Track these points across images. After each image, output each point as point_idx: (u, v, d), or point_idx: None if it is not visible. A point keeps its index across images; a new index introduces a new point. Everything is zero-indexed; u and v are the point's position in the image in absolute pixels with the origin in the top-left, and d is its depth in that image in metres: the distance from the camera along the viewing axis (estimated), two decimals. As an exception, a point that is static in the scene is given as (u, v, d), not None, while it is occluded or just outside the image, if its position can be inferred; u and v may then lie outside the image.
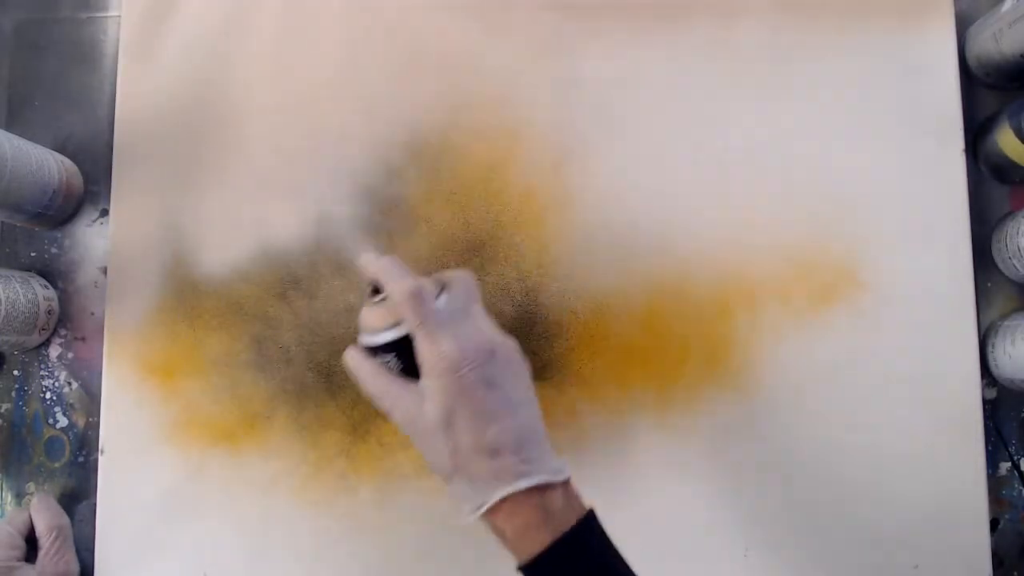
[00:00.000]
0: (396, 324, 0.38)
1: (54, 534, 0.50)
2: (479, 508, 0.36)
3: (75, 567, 0.50)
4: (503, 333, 0.39)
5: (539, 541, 0.35)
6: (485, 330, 0.38)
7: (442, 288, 0.39)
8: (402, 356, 0.38)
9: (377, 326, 0.38)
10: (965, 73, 0.53)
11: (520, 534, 0.35)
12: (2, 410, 0.54)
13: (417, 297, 0.37)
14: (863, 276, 0.51)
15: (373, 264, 0.39)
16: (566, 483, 0.37)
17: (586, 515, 0.37)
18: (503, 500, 0.35)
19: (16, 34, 0.57)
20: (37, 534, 0.50)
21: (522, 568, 0.36)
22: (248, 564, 0.51)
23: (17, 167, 0.48)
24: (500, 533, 0.36)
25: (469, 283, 0.39)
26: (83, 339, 0.54)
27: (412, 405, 0.37)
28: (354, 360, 0.39)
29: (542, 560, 0.35)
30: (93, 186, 0.55)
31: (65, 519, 0.51)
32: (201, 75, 0.54)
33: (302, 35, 0.55)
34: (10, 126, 0.56)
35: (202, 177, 0.54)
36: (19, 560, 0.49)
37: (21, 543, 0.50)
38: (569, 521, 0.36)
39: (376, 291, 0.39)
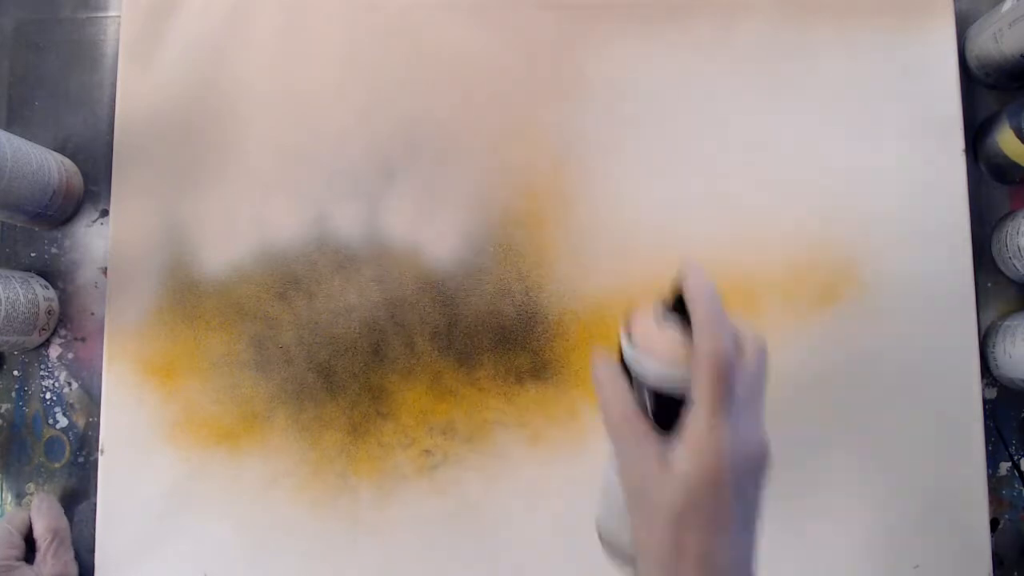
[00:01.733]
0: (679, 367, 0.31)
1: (51, 537, 0.50)
2: None
3: (73, 569, 0.50)
4: (766, 445, 0.32)
5: None
6: (762, 430, 0.32)
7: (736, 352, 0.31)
8: (661, 401, 0.31)
9: (660, 355, 0.31)
10: (965, 73, 0.53)
11: None
12: (2, 410, 0.54)
13: (724, 372, 0.30)
14: (863, 276, 0.51)
15: (700, 289, 0.31)
16: None
17: None
18: None
19: (16, 34, 0.57)
20: (35, 535, 0.50)
21: None
22: (248, 564, 0.51)
23: (17, 167, 0.48)
24: None
25: (763, 360, 0.33)
26: (83, 339, 0.54)
27: (651, 469, 0.31)
28: (612, 378, 0.32)
29: None
30: (93, 186, 0.55)
31: (64, 521, 0.51)
32: (201, 75, 0.54)
33: (302, 35, 0.55)
34: (10, 126, 0.56)
35: (202, 177, 0.54)
36: (18, 560, 0.49)
37: (20, 542, 0.49)
38: None
39: (678, 304, 0.31)
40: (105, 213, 0.55)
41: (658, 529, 0.31)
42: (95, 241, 0.55)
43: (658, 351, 0.31)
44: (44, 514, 0.50)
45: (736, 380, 0.31)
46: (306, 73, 0.54)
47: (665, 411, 0.31)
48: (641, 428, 0.32)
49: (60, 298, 0.55)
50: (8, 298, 0.50)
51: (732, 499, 0.30)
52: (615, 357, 0.33)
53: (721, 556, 0.30)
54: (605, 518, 0.37)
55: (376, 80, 0.54)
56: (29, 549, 0.50)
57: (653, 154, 0.53)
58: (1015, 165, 0.49)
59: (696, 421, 0.30)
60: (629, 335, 0.32)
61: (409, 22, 0.54)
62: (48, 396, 0.54)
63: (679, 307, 0.31)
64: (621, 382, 0.32)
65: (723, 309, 0.31)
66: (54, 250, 0.55)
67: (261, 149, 0.54)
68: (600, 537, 0.37)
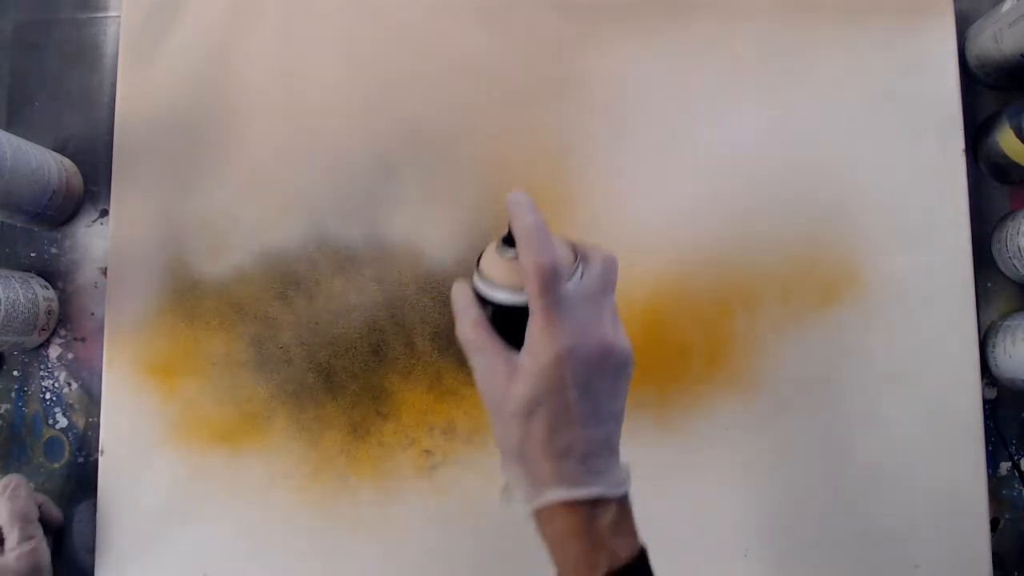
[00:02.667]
0: (520, 288, 0.35)
1: (18, 523, 0.47)
2: (532, 503, 0.35)
3: (44, 556, 0.47)
4: (624, 335, 0.36)
5: (579, 552, 0.34)
6: (607, 330, 0.35)
7: (580, 263, 0.36)
8: (509, 318, 0.36)
9: (499, 281, 0.36)
10: (965, 73, 0.53)
11: (562, 540, 0.34)
12: (2, 410, 0.54)
13: (549, 278, 0.33)
14: (863, 276, 0.51)
15: (519, 215, 0.35)
16: (623, 497, 0.35)
17: (639, 554, 0.35)
18: (552, 505, 0.34)
19: (16, 34, 0.57)
20: (0, 523, 0.47)
21: None
22: (248, 564, 0.51)
23: (17, 167, 0.48)
24: (543, 533, 0.35)
25: (610, 269, 0.36)
26: (83, 339, 0.54)
27: (501, 376, 0.35)
28: (463, 300, 0.37)
29: None
30: (93, 186, 0.55)
31: (31, 504, 0.48)
32: (201, 75, 0.54)
33: (302, 35, 0.55)
34: (10, 126, 0.56)
35: (202, 177, 0.54)
36: None
37: None
38: (616, 549, 0.34)
39: (510, 238, 0.36)
40: (105, 213, 0.55)
41: (509, 424, 0.35)
42: (95, 241, 0.55)
43: (499, 275, 0.36)
44: (9, 500, 0.47)
45: (563, 282, 0.34)
46: (306, 73, 0.54)
47: (513, 330, 0.35)
48: (489, 340, 0.36)
49: (60, 298, 0.55)
50: (8, 298, 0.50)
51: (576, 393, 0.34)
52: (468, 289, 0.37)
53: (567, 441, 0.34)
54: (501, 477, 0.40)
55: (376, 80, 0.54)
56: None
57: (653, 154, 0.53)
58: (1015, 165, 0.49)
59: (532, 326, 0.34)
60: (478, 269, 0.37)
61: (409, 22, 0.54)
62: (48, 396, 0.54)
63: (512, 239, 0.36)
64: (472, 302, 0.37)
65: (545, 230, 0.34)
66: (54, 250, 0.55)
67: (261, 149, 0.54)
68: (502, 499, 0.40)
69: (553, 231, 0.34)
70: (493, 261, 0.36)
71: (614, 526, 0.34)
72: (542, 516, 0.35)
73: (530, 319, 0.34)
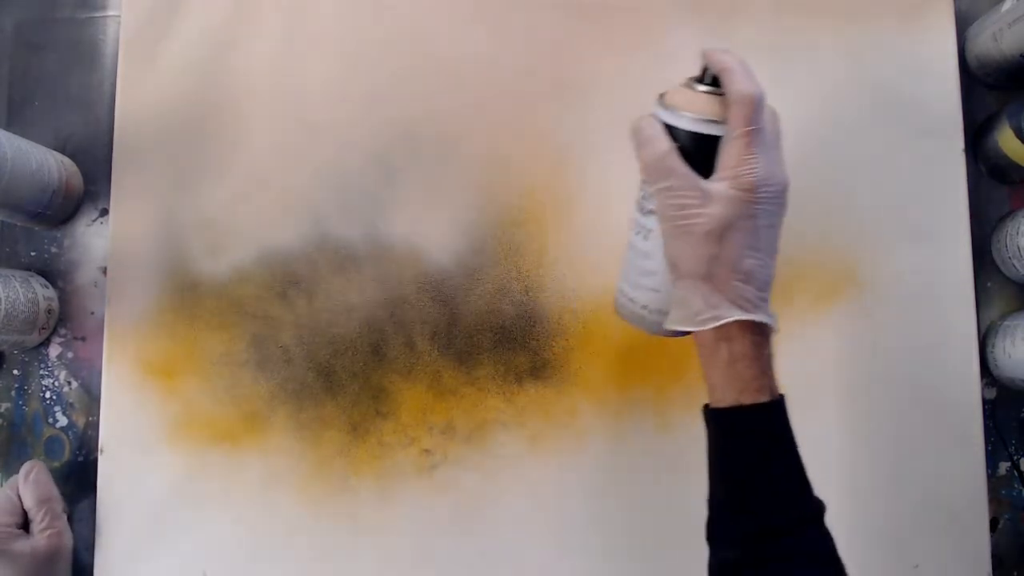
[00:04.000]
0: (713, 120, 0.37)
1: (43, 508, 0.49)
2: (714, 320, 0.36)
3: (68, 539, 0.50)
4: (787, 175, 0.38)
5: (751, 374, 0.36)
6: (785, 168, 0.38)
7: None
8: (698, 147, 0.37)
9: (693, 111, 0.37)
10: (965, 73, 0.53)
11: (734, 361, 0.36)
12: (2, 410, 0.54)
13: (755, 108, 0.35)
14: (863, 276, 0.51)
15: (719, 56, 0.37)
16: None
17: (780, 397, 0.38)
18: (733, 323, 0.36)
19: (16, 34, 0.57)
20: (26, 507, 0.50)
21: (723, 409, 0.37)
22: (248, 564, 0.51)
23: (17, 167, 0.48)
24: (712, 354, 0.37)
25: (777, 120, 0.39)
26: (83, 339, 0.55)
27: (693, 198, 0.36)
28: (651, 128, 0.37)
29: (750, 411, 0.36)
30: (93, 186, 0.55)
31: (55, 490, 0.51)
32: (201, 75, 0.54)
33: (302, 35, 0.55)
34: (10, 126, 0.56)
35: (202, 177, 0.54)
36: (18, 526, 0.49)
37: (20, 509, 0.49)
38: (774, 381, 0.37)
39: (702, 79, 0.38)
40: (105, 213, 0.55)
41: (698, 246, 0.36)
42: (95, 241, 0.55)
43: (693, 107, 0.37)
44: (33, 484, 0.50)
45: (763, 115, 0.36)
46: (306, 73, 0.54)
47: (699, 158, 0.37)
48: (678, 164, 0.37)
49: (60, 298, 0.55)
50: (8, 297, 0.50)
51: (761, 223, 0.36)
52: (657, 120, 0.38)
53: (751, 265, 0.36)
54: (624, 288, 0.42)
55: (376, 80, 0.54)
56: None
57: (653, 154, 0.52)
58: (1015, 165, 0.49)
59: (732, 152, 0.36)
60: (661, 104, 0.38)
61: (410, 22, 0.54)
62: (48, 395, 0.54)
63: (705, 80, 0.38)
64: (662, 131, 0.37)
65: (748, 67, 0.37)
66: (54, 249, 0.55)
67: (261, 149, 0.54)
68: (619, 310, 0.43)
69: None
70: (685, 95, 0.38)
71: (771, 359, 0.37)
72: (714, 334, 0.36)
73: (727, 147, 0.36)
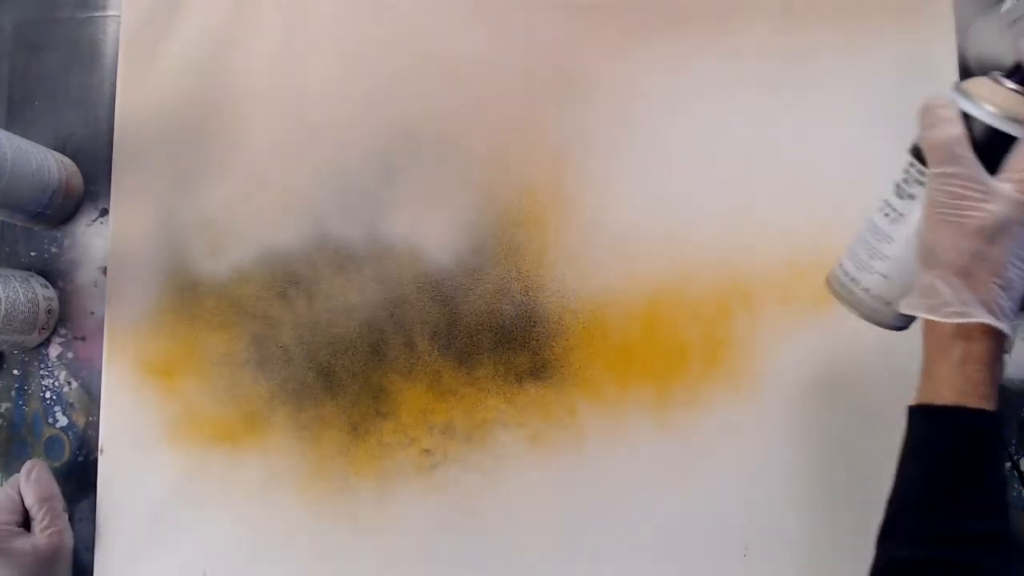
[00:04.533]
0: (1018, 121, 0.35)
1: (44, 506, 0.49)
2: (961, 316, 0.35)
3: (68, 538, 0.50)
4: None
5: (983, 378, 0.35)
6: None
7: None
8: (990, 143, 0.36)
9: (996, 105, 0.36)
10: (965, 73, 0.53)
11: (969, 361, 0.35)
12: (2, 410, 0.54)
13: None
14: (863, 276, 0.51)
15: None
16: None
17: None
18: (976, 325, 0.35)
19: (16, 34, 0.57)
20: (27, 506, 0.50)
21: (946, 408, 0.36)
22: (248, 564, 0.51)
23: (17, 167, 0.48)
24: (945, 349, 0.36)
25: None
26: (83, 339, 0.55)
27: (974, 191, 0.35)
28: (948, 112, 0.36)
29: (975, 415, 0.35)
30: (93, 186, 0.55)
31: (56, 488, 0.51)
32: (201, 75, 0.54)
33: (302, 35, 0.55)
34: (10, 126, 0.56)
35: (202, 177, 0.54)
36: (18, 525, 0.49)
37: (21, 507, 0.49)
38: (996, 396, 0.36)
39: (1012, 75, 0.36)
40: (105, 213, 0.55)
41: (965, 239, 0.35)
42: (95, 241, 0.55)
43: (997, 101, 0.36)
44: (34, 483, 0.50)
45: None
46: (306, 73, 0.54)
47: (988, 153, 0.36)
48: (968, 153, 0.35)
49: (60, 298, 0.55)
50: (8, 297, 0.50)
51: None
52: (955, 105, 0.37)
53: (1014, 274, 0.35)
54: (846, 266, 0.41)
55: (376, 80, 0.54)
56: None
57: (653, 154, 0.53)
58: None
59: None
60: (959, 91, 0.37)
61: (410, 22, 0.54)
62: (48, 395, 0.54)
63: (1015, 77, 0.36)
64: (959, 116, 0.36)
65: None
66: (54, 250, 0.55)
67: (261, 149, 0.54)
68: (832, 284, 0.42)
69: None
70: (990, 87, 0.36)
71: (1002, 371, 0.36)
72: (954, 330, 0.35)
73: (1022, 150, 0.35)
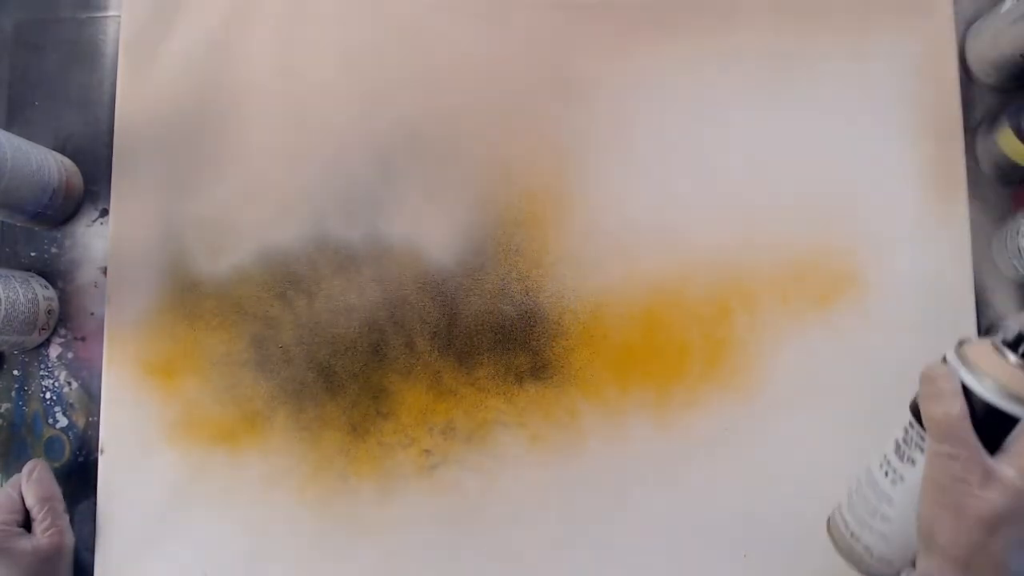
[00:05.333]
0: (1017, 397, 0.34)
1: (45, 506, 0.49)
2: None
3: (69, 538, 0.50)
4: None
5: None
6: None
7: None
8: (992, 421, 0.34)
9: (999, 381, 0.34)
10: (965, 73, 0.53)
11: None
12: (2, 410, 0.54)
13: None
14: (863, 276, 0.51)
15: None
16: None
17: None
18: None
19: (16, 34, 0.57)
20: (28, 506, 0.50)
21: None
22: (248, 564, 0.51)
23: (17, 167, 0.48)
24: None
25: None
26: (83, 339, 0.55)
27: (975, 475, 0.33)
28: (949, 384, 0.35)
29: None
30: (93, 186, 0.55)
31: (56, 489, 0.51)
32: (201, 75, 0.54)
33: (302, 35, 0.55)
34: (10, 126, 0.56)
35: (202, 177, 0.54)
36: (18, 524, 0.49)
37: (21, 507, 0.49)
38: None
39: (1017, 346, 0.35)
40: (105, 213, 0.55)
41: (966, 529, 0.33)
42: (95, 241, 0.55)
43: (1000, 376, 0.34)
44: (35, 483, 0.50)
45: None
46: (306, 73, 0.54)
47: (990, 432, 0.34)
48: (968, 434, 0.34)
49: (60, 298, 0.55)
50: (8, 298, 0.50)
51: None
52: (954, 375, 0.36)
53: (1015, 565, 0.32)
54: (847, 518, 0.40)
55: (376, 80, 0.54)
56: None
57: (653, 154, 0.53)
58: (1015, 165, 0.49)
59: None
60: (961, 358, 0.36)
61: (409, 22, 0.54)
62: (48, 396, 0.54)
63: (1020, 350, 0.35)
64: (960, 391, 0.35)
65: None
66: (54, 250, 0.55)
67: (261, 149, 0.54)
68: (833, 533, 0.41)
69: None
70: (993, 360, 0.35)
71: None
72: None
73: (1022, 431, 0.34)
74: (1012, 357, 0.34)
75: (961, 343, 0.37)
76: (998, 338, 0.36)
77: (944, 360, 0.37)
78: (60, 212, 0.54)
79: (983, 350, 0.35)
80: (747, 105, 0.52)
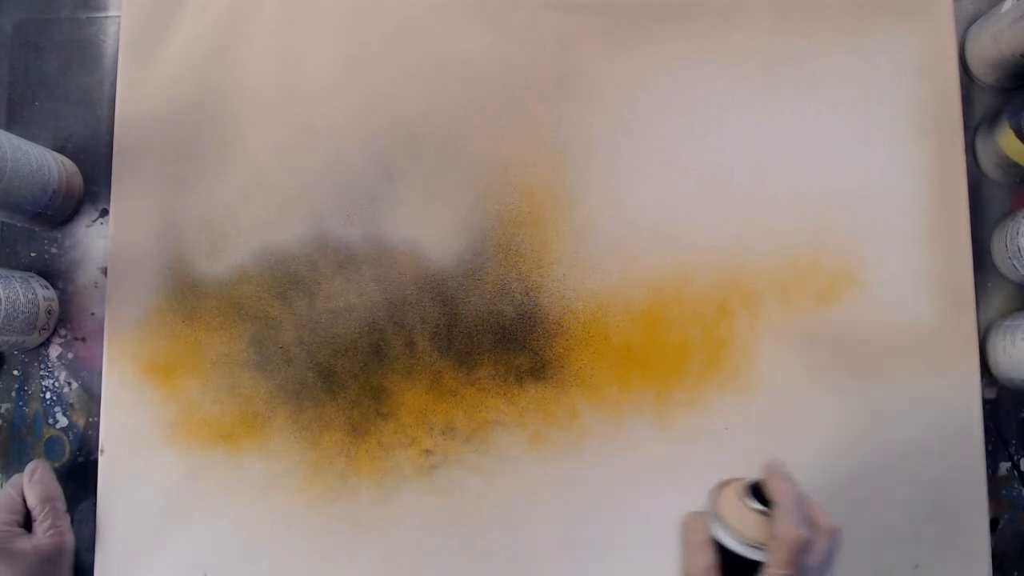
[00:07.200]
0: (761, 546, 0.37)
1: (46, 507, 0.49)
2: None
3: (70, 539, 0.50)
4: None
5: None
6: None
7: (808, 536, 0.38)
8: (740, 567, 0.37)
9: (742, 532, 0.38)
10: (965, 73, 0.53)
11: None
12: (2, 410, 0.54)
13: (799, 553, 0.36)
14: (863, 276, 0.51)
15: (781, 481, 0.38)
16: None
17: None
18: None
19: (16, 34, 0.57)
20: (29, 506, 0.50)
21: None
22: (248, 564, 0.51)
23: (17, 167, 0.48)
24: None
25: (836, 545, 0.39)
26: (83, 339, 0.54)
27: None
28: (699, 535, 0.38)
29: None
30: (93, 186, 0.55)
31: (58, 489, 0.51)
32: (201, 75, 0.54)
33: (302, 36, 0.55)
34: (10, 126, 0.56)
35: (202, 177, 0.54)
36: (19, 525, 0.49)
37: (22, 508, 0.49)
38: None
39: (757, 491, 0.39)
40: (105, 213, 0.55)
41: None
42: (95, 241, 0.55)
43: (743, 527, 0.38)
44: (37, 483, 0.50)
45: (808, 558, 0.36)
46: (306, 73, 0.54)
47: (738, 571, 0.37)
48: None
49: (60, 298, 0.55)
50: (8, 298, 0.50)
51: None
52: (705, 529, 0.39)
53: None
54: None
55: (376, 80, 0.54)
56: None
57: (653, 154, 0.53)
58: (1015, 165, 0.49)
59: None
60: (714, 506, 0.39)
61: (409, 22, 0.54)
62: (48, 396, 0.54)
63: (759, 492, 0.38)
64: (709, 543, 0.38)
65: (802, 501, 0.37)
66: (54, 250, 0.55)
67: (261, 149, 0.54)
68: None
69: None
70: (738, 510, 0.38)
71: None
72: None
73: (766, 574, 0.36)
74: (753, 504, 0.38)
75: (719, 487, 0.40)
76: (741, 485, 0.39)
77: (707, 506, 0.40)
78: (60, 212, 0.54)
79: (730, 500, 0.39)
80: (747, 105, 0.52)
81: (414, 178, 0.53)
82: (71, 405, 0.54)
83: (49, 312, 0.53)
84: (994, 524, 0.51)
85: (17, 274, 0.52)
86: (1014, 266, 0.50)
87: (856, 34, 0.52)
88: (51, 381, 0.54)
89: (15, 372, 0.55)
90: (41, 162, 0.51)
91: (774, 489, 0.38)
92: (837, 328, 0.51)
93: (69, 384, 0.54)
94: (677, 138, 0.52)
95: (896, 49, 0.52)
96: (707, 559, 0.38)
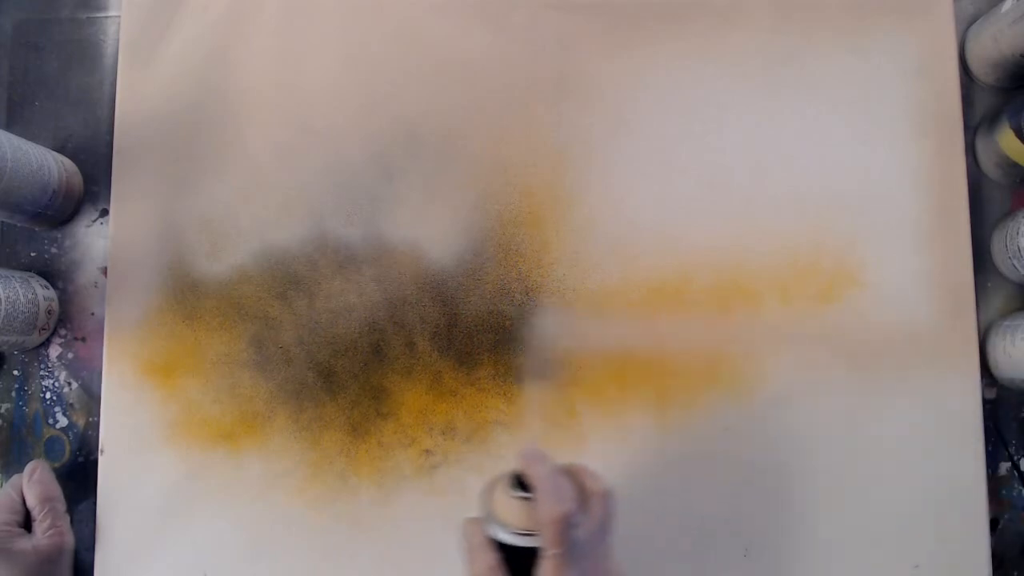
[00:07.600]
0: (532, 532, 0.37)
1: (46, 507, 0.49)
2: None
3: (69, 539, 0.50)
4: (621, 572, 0.39)
5: None
6: (610, 564, 0.38)
7: (582, 505, 0.38)
8: (521, 558, 0.37)
9: (512, 524, 0.38)
10: (965, 73, 0.53)
11: None
12: (2, 410, 0.54)
13: (564, 527, 0.36)
14: (863, 276, 0.51)
15: (534, 464, 0.38)
16: None
17: None
18: None
19: (16, 34, 0.57)
20: (29, 506, 0.50)
21: None
22: (248, 564, 0.51)
23: (17, 167, 0.48)
24: None
25: (610, 510, 0.39)
26: (83, 339, 0.55)
27: None
28: (477, 538, 0.38)
29: None
30: (93, 186, 0.55)
31: (57, 489, 0.51)
32: (201, 75, 0.54)
33: (302, 36, 0.55)
34: (10, 126, 0.56)
35: (202, 177, 0.54)
36: (19, 525, 0.49)
37: (22, 508, 0.50)
38: None
39: (520, 481, 0.39)
40: (105, 213, 0.55)
41: None
42: (95, 241, 0.55)
43: (512, 518, 0.38)
44: (36, 483, 0.50)
45: (577, 532, 0.37)
46: (306, 73, 0.54)
47: (525, 568, 0.37)
48: None
49: (60, 298, 0.55)
50: (8, 298, 0.50)
51: None
52: (481, 530, 0.39)
53: None
54: None
55: (376, 80, 0.54)
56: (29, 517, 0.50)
57: (653, 154, 0.53)
58: (1015, 165, 0.49)
59: (546, 567, 0.36)
60: (488, 509, 0.39)
61: (409, 22, 0.54)
62: (48, 396, 0.54)
63: (522, 481, 0.39)
64: (487, 544, 0.38)
65: (559, 478, 0.38)
66: (54, 250, 0.55)
67: (261, 149, 0.54)
68: None
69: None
70: (505, 503, 0.39)
71: None
72: None
73: (543, 563, 0.36)
74: (516, 494, 0.38)
75: (488, 487, 0.40)
76: (504, 478, 0.39)
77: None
78: (60, 212, 0.54)
79: (498, 495, 0.39)
80: (747, 105, 0.52)
81: (414, 178, 0.53)
82: (71, 405, 0.54)
83: (49, 312, 0.53)
84: (994, 524, 0.51)
85: (17, 274, 0.52)
86: (1014, 266, 0.50)
87: (856, 34, 0.52)
88: (51, 381, 0.54)
89: (15, 372, 0.55)
90: (41, 162, 0.51)
91: (530, 473, 0.38)
92: (837, 328, 0.51)
93: (69, 384, 0.54)
94: (677, 138, 0.52)
95: (896, 49, 0.52)
96: (488, 560, 0.37)
